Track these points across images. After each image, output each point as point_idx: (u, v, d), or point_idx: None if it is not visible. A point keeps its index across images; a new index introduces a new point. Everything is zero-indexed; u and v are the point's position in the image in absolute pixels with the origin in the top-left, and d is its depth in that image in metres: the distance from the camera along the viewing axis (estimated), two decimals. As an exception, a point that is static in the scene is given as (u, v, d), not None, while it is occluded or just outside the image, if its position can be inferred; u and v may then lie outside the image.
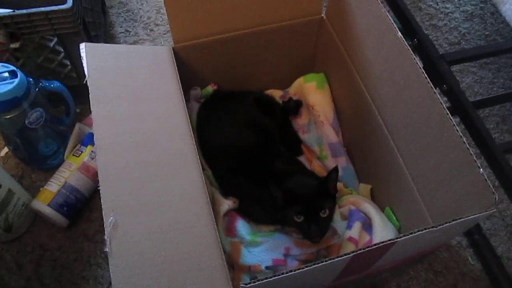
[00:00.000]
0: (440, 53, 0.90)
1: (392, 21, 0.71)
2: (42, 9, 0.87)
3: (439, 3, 1.40)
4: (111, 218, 0.59)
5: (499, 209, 1.00)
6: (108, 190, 0.62)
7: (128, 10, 1.34)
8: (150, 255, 0.58)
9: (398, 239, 0.52)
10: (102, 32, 1.18)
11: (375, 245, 0.52)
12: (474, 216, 0.54)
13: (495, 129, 1.14)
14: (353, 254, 0.51)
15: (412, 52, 0.68)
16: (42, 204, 0.89)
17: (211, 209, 0.64)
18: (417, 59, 0.68)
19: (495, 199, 0.55)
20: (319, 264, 0.50)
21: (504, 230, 0.98)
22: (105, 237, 0.58)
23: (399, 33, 0.70)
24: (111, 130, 0.69)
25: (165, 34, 1.29)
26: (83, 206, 0.95)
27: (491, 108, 1.17)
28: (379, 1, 0.75)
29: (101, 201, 0.61)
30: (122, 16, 1.33)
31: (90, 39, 1.01)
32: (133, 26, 1.31)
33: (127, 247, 0.59)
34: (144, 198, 0.64)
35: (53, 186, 0.91)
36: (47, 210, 0.89)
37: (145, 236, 0.60)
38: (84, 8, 0.98)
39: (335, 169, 0.76)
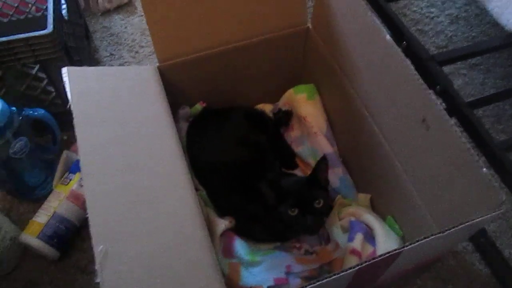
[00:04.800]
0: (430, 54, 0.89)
1: (380, 25, 0.70)
2: (22, 35, 0.85)
3: (423, 8, 1.40)
4: (101, 246, 0.56)
5: (502, 210, 0.98)
6: (97, 217, 0.59)
7: (112, 33, 1.33)
8: (145, 283, 0.55)
9: (405, 248, 0.50)
10: (86, 57, 1.16)
11: (380, 256, 0.49)
12: (481, 218, 0.52)
13: (491, 130, 1.12)
14: (358, 267, 0.48)
15: (402, 55, 0.67)
16: (30, 237, 0.86)
17: (206, 230, 0.62)
18: (408, 62, 0.67)
19: (502, 198, 0.53)
20: (323, 281, 0.48)
21: (510, 231, 0.95)
22: (96, 267, 0.55)
23: (388, 36, 0.69)
24: (98, 155, 0.67)
25: (150, 56, 1.27)
26: (74, 236, 0.92)
27: (484, 109, 1.16)
28: (365, 6, 0.74)
29: (90, 229, 0.58)
30: (106, 40, 1.31)
31: (73, 64, 0.98)
32: (118, 50, 1.29)
33: (119, 276, 0.55)
34: (136, 224, 0.61)
35: (42, 217, 0.88)
36: (36, 243, 0.85)
37: (138, 263, 0.57)
38: (65, 33, 0.97)
39: (323, 158, 0.76)
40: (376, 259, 0.49)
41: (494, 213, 0.53)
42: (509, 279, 0.86)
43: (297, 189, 0.76)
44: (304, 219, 0.74)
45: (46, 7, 0.92)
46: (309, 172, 0.94)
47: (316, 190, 0.76)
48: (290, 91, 1.02)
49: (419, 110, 0.65)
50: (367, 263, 0.49)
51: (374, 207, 0.86)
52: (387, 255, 0.50)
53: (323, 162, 0.76)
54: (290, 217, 0.74)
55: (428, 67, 0.86)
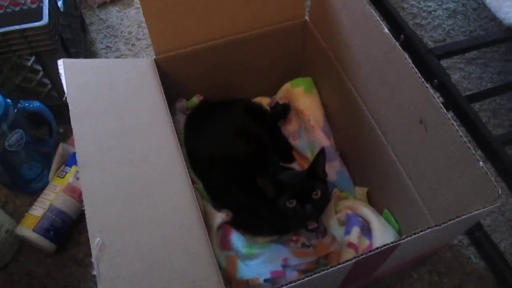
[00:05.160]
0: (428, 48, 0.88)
1: (378, 18, 0.70)
2: (18, 27, 0.84)
3: (421, 2, 1.40)
4: (98, 239, 0.56)
5: (498, 204, 0.98)
6: (94, 210, 0.59)
7: (109, 26, 1.32)
8: (141, 276, 0.55)
9: (401, 241, 0.50)
10: (82, 49, 1.15)
11: (377, 248, 0.49)
12: (478, 211, 0.52)
13: (488, 124, 1.12)
14: (355, 259, 0.48)
15: (400, 48, 0.66)
16: (26, 230, 0.85)
17: (203, 223, 0.61)
18: (406, 55, 0.66)
19: (498, 192, 0.53)
20: (320, 273, 0.48)
21: (505, 225, 0.96)
22: (92, 260, 0.55)
23: (386, 29, 0.68)
24: (94, 148, 0.66)
25: (147, 48, 1.26)
26: (71, 229, 0.92)
27: (481, 103, 1.16)
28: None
29: (87, 222, 0.57)
30: (103, 32, 1.30)
31: (69, 56, 0.98)
32: (114, 42, 1.28)
33: (116, 269, 0.55)
34: (132, 217, 0.60)
35: (38, 210, 0.87)
36: (32, 236, 0.85)
37: (135, 256, 0.57)
38: (61, 25, 0.96)
39: (322, 151, 0.77)
40: (373, 252, 0.49)
41: (490, 207, 0.53)
42: (505, 272, 0.86)
43: (295, 181, 0.77)
44: (303, 210, 0.74)
45: (42, -2, 0.91)
46: (306, 166, 0.94)
47: (314, 182, 0.77)
48: (288, 85, 1.01)
49: (417, 105, 0.65)
50: (364, 255, 0.49)
51: (371, 201, 0.86)
52: (384, 247, 0.50)
53: (321, 155, 0.77)
54: (289, 208, 0.75)
55: (426, 61, 0.86)
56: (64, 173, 0.92)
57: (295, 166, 0.95)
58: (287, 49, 0.98)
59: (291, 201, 0.74)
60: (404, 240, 0.50)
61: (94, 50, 1.26)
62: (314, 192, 0.75)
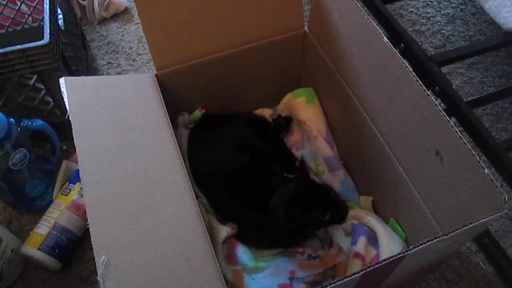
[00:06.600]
0: (429, 55, 0.88)
1: (377, 27, 0.70)
2: (19, 46, 0.85)
3: (419, 9, 1.41)
4: (103, 257, 0.56)
5: (506, 210, 0.98)
6: (98, 227, 0.59)
7: (109, 42, 1.33)
8: (147, 293, 0.55)
9: (409, 252, 0.49)
10: (84, 66, 1.16)
11: (385, 260, 0.49)
12: (486, 219, 0.52)
13: (491, 128, 1.12)
14: (363, 272, 0.48)
15: (400, 56, 0.66)
16: (32, 249, 0.85)
17: (208, 238, 0.61)
18: (406, 63, 0.66)
19: (505, 199, 0.53)
20: (327, 287, 0.47)
21: (513, 230, 0.95)
22: (98, 278, 0.55)
23: (385, 38, 0.69)
24: (97, 164, 0.66)
25: (147, 63, 1.27)
26: (76, 246, 0.92)
27: (484, 108, 1.16)
28: (361, 9, 0.74)
29: (91, 239, 0.57)
30: (104, 49, 1.31)
31: (71, 74, 0.98)
32: (115, 58, 1.29)
33: (122, 286, 0.55)
34: (137, 233, 0.60)
35: (43, 228, 0.87)
36: (38, 254, 0.85)
37: (141, 273, 0.56)
38: (63, 43, 0.96)
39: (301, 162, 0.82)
40: (381, 264, 0.49)
41: (497, 214, 0.52)
42: (514, 278, 0.86)
43: (313, 197, 0.76)
44: (339, 210, 0.77)
45: (43, 17, 0.92)
46: (310, 176, 0.93)
47: (323, 185, 0.80)
48: (289, 95, 1.01)
49: (418, 112, 0.65)
50: (371, 267, 0.48)
51: (376, 210, 0.86)
52: (392, 259, 0.49)
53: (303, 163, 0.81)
54: (325, 221, 0.75)
55: (427, 68, 0.86)
56: (68, 191, 0.92)
57: (299, 177, 0.95)
58: (287, 60, 0.98)
59: (325, 215, 0.74)
60: (411, 251, 0.49)
61: (95, 67, 1.27)
62: (332, 193, 0.77)
